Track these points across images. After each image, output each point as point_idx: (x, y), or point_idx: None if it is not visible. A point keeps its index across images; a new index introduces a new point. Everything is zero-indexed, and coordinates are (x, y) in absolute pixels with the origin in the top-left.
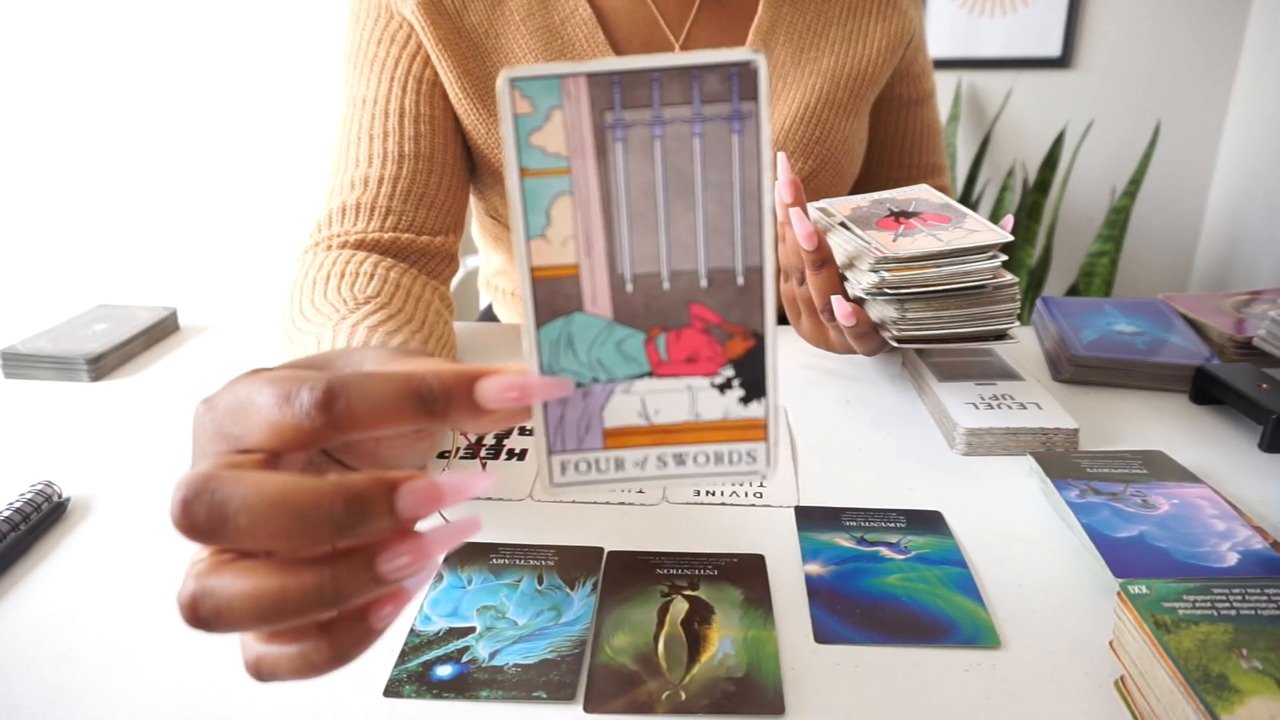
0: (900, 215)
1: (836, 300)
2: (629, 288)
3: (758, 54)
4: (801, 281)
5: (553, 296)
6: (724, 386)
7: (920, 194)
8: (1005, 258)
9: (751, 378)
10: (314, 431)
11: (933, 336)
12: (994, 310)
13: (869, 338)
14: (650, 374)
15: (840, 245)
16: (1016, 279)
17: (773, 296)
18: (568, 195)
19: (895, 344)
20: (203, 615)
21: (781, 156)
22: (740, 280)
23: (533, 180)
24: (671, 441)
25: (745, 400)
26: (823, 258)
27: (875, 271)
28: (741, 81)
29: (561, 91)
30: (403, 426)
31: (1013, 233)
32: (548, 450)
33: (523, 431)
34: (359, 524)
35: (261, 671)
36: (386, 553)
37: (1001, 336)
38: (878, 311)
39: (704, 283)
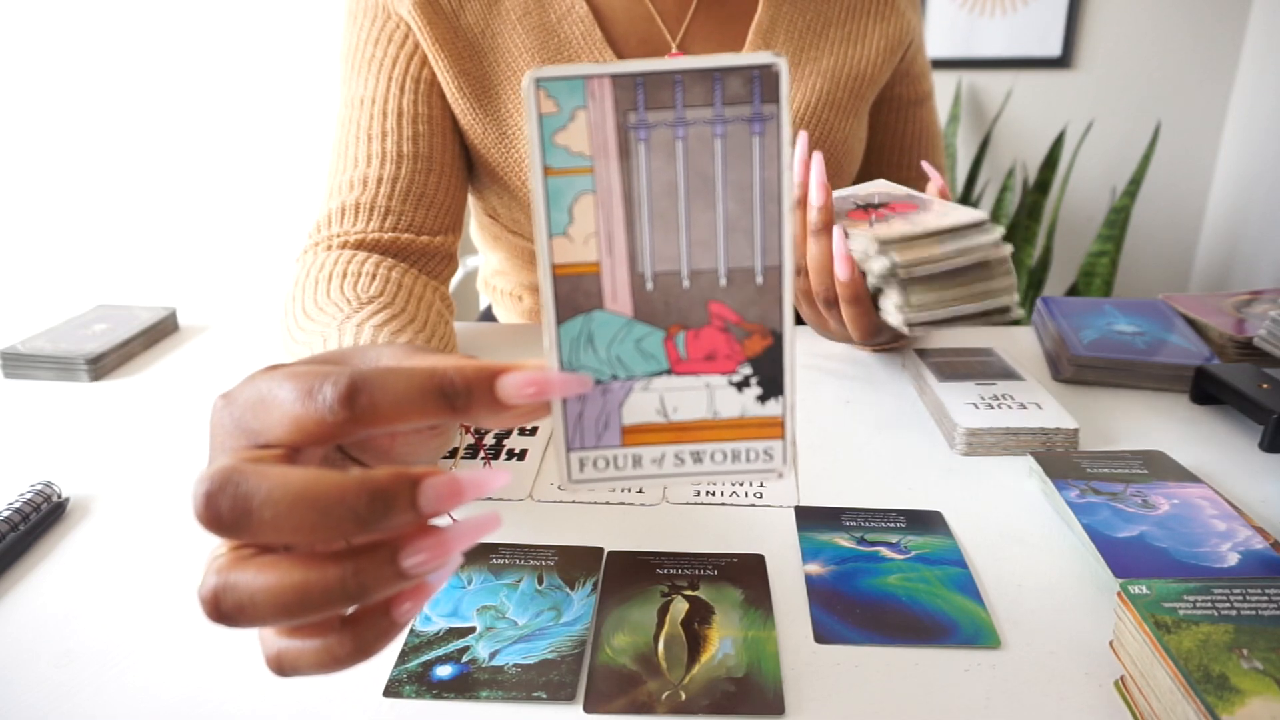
0: (867, 207)
1: (838, 241)
2: (649, 286)
3: (779, 57)
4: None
5: (573, 294)
6: (742, 384)
7: (880, 188)
8: (1001, 229)
9: (769, 376)
10: (336, 426)
11: (939, 319)
12: (994, 286)
13: (863, 315)
14: (669, 371)
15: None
16: (1011, 247)
17: (791, 296)
18: (590, 194)
19: (906, 329)
20: (225, 610)
21: (803, 135)
22: (759, 279)
23: (556, 179)
24: (689, 439)
25: (763, 398)
26: (827, 221)
27: (884, 254)
28: (763, 84)
29: (586, 92)
30: (423, 421)
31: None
32: (566, 447)
33: (523, 431)
34: (381, 519)
35: (283, 666)
36: (409, 547)
37: (1005, 311)
38: (884, 301)
39: (723, 281)
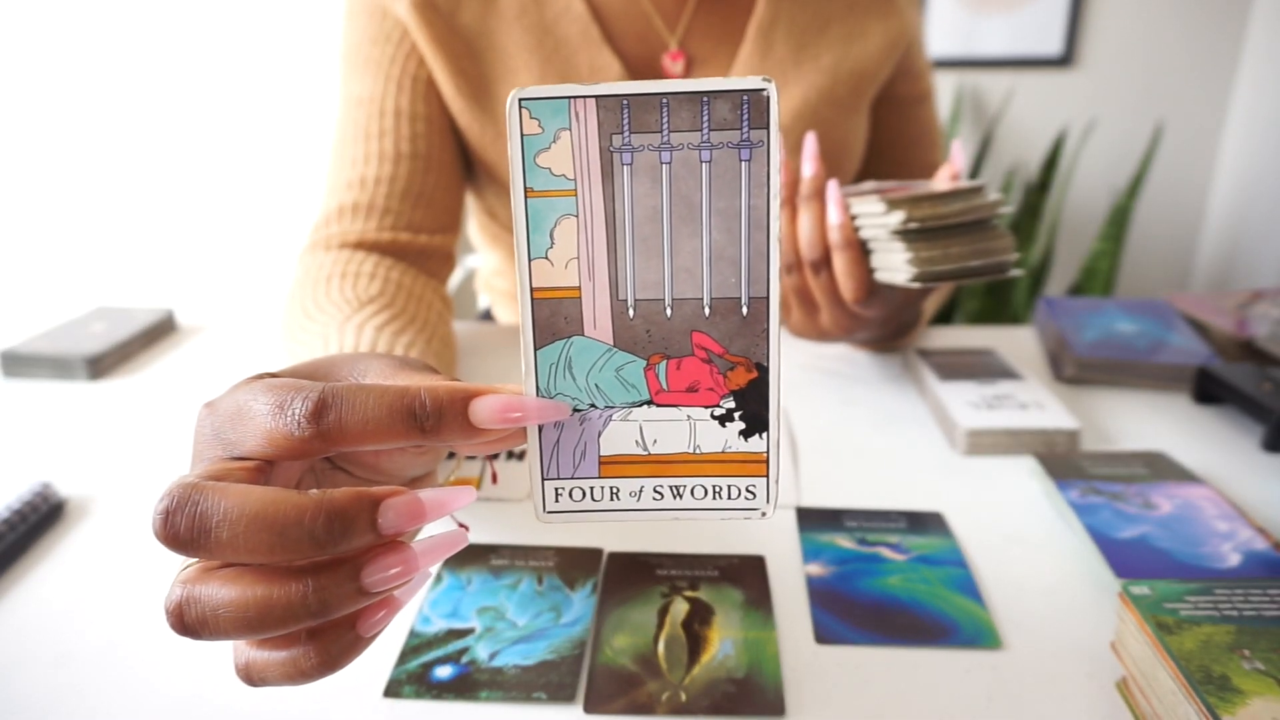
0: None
1: (833, 189)
2: (631, 313)
3: (769, 82)
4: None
5: (553, 318)
6: (725, 418)
7: (865, 186)
8: (999, 194)
9: (753, 411)
10: (304, 442)
11: (947, 272)
12: (995, 245)
13: (856, 262)
14: (650, 402)
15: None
16: (1011, 207)
17: (778, 328)
18: (572, 217)
19: (916, 285)
20: (188, 622)
21: (810, 136)
22: (744, 310)
23: (537, 200)
24: (669, 473)
25: (746, 434)
26: (818, 187)
27: (894, 210)
28: (752, 109)
29: (570, 113)
30: (393, 442)
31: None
32: (541, 476)
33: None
34: (340, 541)
35: (251, 676)
36: (372, 565)
37: (1006, 267)
38: (887, 260)
39: (707, 311)
